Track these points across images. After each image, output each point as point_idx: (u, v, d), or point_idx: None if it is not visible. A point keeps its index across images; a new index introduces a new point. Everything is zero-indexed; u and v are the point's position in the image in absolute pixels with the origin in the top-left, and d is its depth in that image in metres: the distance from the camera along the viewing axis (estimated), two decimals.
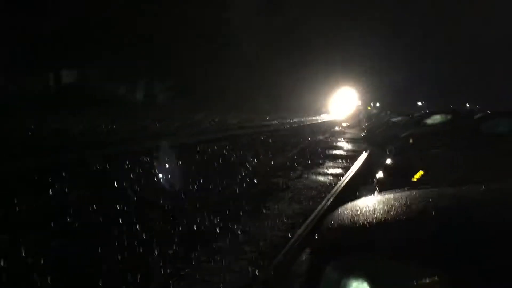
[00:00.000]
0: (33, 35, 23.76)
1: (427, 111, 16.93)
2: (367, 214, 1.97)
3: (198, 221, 5.28)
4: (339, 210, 2.23)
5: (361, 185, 8.31)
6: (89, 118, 18.68)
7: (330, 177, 9.31)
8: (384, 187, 5.24)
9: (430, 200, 2.07)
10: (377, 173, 5.92)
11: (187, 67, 34.11)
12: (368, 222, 1.84)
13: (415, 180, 5.14)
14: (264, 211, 6.11)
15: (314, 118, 43.77)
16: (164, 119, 22.00)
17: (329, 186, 8.17)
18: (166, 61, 32.70)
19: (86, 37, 26.80)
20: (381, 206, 2.04)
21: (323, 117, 45.29)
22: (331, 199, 6.66)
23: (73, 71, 31.54)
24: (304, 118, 39.98)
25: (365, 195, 6.80)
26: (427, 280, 1.45)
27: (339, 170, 10.32)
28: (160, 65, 32.93)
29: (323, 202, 6.55)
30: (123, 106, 27.58)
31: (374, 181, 6.69)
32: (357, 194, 7.54)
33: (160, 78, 37.52)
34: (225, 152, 11.88)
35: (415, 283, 1.45)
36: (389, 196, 2.30)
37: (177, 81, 37.49)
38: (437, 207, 2.00)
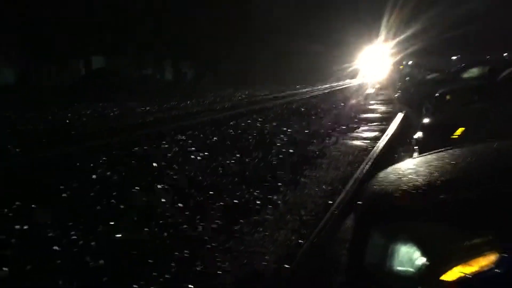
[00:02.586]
0: (64, 26, 24.19)
1: (463, 65, 16.30)
2: (410, 177, 1.93)
3: (237, 192, 5.33)
4: (381, 174, 2.19)
5: (399, 147, 8.18)
6: (125, 101, 19.02)
7: (367, 141, 9.19)
8: (423, 147, 5.12)
9: (477, 158, 2.00)
10: (415, 133, 5.78)
11: (211, 44, 34.04)
12: (412, 186, 1.81)
13: (455, 137, 4.99)
14: (302, 179, 6.10)
15: (345, 82, 43.01)
16: (194, 97, 22.13)
17: (365, 151, 8.07)
18: (190, 40, 32.73)
19: (112, 24, 27.10)
20: (424, 168, 2.00)
21: (354, 81, 44.39)
22: (369, 164, 6.59)
23: (102, 57, 32.05)
24: (336, 83, 39.33)
25: (404, 157, 6.70)
26: (476, 243, 1.42)
27: (375, 134, 10.17)
28: (185, 44, 32.99)
29: (361, 166, 6.50)
30: (155, 87, 27.90)
31: (412, 142, 6.57)
32: (395, 156, 7.45)
33: (185, 58, 37.66)
34: (257, 124, 11.87)
35: (464, 246, 1.42)
36: (431, 156, 2.25)
37: (202, 59, 37.54)
38: (486, 165, 1.94)
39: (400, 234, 1.58)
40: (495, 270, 1.35)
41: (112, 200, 5.01)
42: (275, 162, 7.08)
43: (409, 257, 1.52)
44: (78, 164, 6.89)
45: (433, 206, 1.64)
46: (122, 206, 4.82)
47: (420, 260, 1.49)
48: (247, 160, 7.22)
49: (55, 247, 3.73)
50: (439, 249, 1.48)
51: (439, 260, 1.45)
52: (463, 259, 1.40)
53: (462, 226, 1.49)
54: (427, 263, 1.47)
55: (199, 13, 32.54)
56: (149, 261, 3.53)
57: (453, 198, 1.63)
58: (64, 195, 5.26)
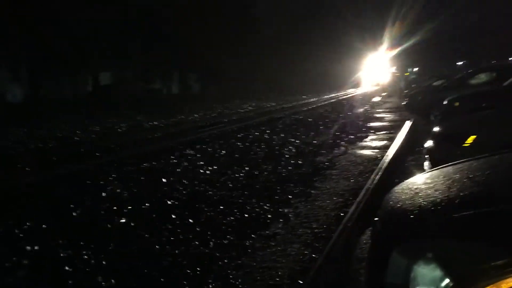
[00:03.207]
0: (68, 43, 24.40)
1: (469, 71, 16.22)
2: (428, 192, 1.88)
3: (248, 206, 5.29)
4: (397, 188, 2.14)
5: (408, 155, 8.10)
6: (131, 116, 19.12)
7: (376, 150, 9.12)
8: (435, 156, 5.06)
9: (496, 170, 1.95)
10: (425, 142, 5.72)
11: (215, 55, 34.21)
12: (431, 201, 1.76)
13: (467, 145, 4.92)
14: (312, 191, 6.05)
15: (349, 91, 42.94)
16: (200, 110, 22.21)
17: (375, 160, 8.01)
18: (195, 52, 32.92)
19: (117, 40, 27.34)
20: (441, 182, 1.95)
21: (359, 90, 44.25)
22: (380, 174, 6.52)
23: (109, 72, 32.31)
24: (340, 93, 39.27)
25: (415, 166, 6.63)
26: (503, 262, 1.37)
27: (383, 142, 10.10)
28: (190, 57, 33.19)
29: (372, 177, 6.43)
30: (162, 100, 28.04)
31: (422, 151, 6.50)
32: (406, 165, 7.38)
33: (191, 70, 37.88)
34: (265, 135, 11.85)
35: (491, 266, 1.37)
36: (447, 169, 2.19)
37: (207, 71, 37.75)
38: (502, 178, 1.88)
39: (422, 253, 1.53)
40: None
41: (122, 218, 4.98)
42: (284, 174, 7.04)
43: (432, 277, 1.47)
44: (88, 181, 6.87)
45: (455, 223, 1.59)
46: (132, 224, 4.78)
47: (445, 281, 1.43)
48: (256, 172, 7.18)
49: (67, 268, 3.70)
50: (464, 268, 1.43)
51: (464, 280, 1.40)
52: (491, 279, 1.35)
53: (488, 243, 1.43)
54: (452, 283, 1.42)
55: (203, 23, 32.76)
56: (161, 279, 3.49)
57: (476, 214, 1.58)
58: (74, 213, 5.24)
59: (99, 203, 5.55)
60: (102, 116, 18.63)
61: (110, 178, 7.02)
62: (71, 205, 5.42)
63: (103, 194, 5.99)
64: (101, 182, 6.72)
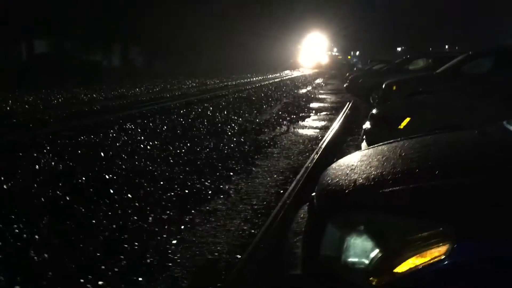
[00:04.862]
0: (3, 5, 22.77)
1: (408, 56, 16.84)
2: (363, 168, 1.95)
3: (188, 182, 5.26)
4: (334, 165, 2.21)
5: (348, 135, 8.36)
6: (69, 87, 18.32)
7: (317, 130, 9.33)
8: (372, 137, 5.24)
9: (427, 149, 2.05)
10: (363, 123, 5.91)
11: (160, 31, 33.35)
12: (365, 177, 1.83)
13: (401, 127, 5.14)
14: (254, 168, 6.11)
15: (292, 72, 43.30)
16: (142, 84, 21.64)
17: (316, 140, 8.19)
18: (139, 25, 31.86)
19: (58, 5, 25.87)
20: (376, 159, 2.03)
21: (298, 72, 44.64)
22: (319, 153, 6.68)
23: (46, 41, 30.54)
24: (279, 74, 39.49)
25: (353, 146, 6.83)
26: (428, 233, 1.45)
27: (324, 123, 10.33)
28: (134, 29, 32.06)
29: (312, 156, 6.59)
30: (102, 73, 27.00)
31: (360, 131, 6.72)
32: (344, 145, 7.61)
33: (135, 43, 36.66)
34: (208, 112, 11.76)
35: (416, 237, 1.45)
36: (382, 148, 2.29)
37: (151, 45, 36.73)
38: (433, 156, 1.99)
39: (355, 226, 1.60)
40: (447, 261, 1.39)
41: (56, 192, 4.79)
42: (226, 151, 7.05)
43: (363, 249, 1.54)
44: (20, 153, 6.54)
45: (386, 198, 1.66)
46: (67, 198, 4.61)
47: (374, 251, 1.51)
48: (197, 149, 7.13)
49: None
50: (393, 240, 1.51)
51: (393, 251, 1.48)
52: (416, 250, 1.43)
53: (415, 217, 1.51)
54: (381, 254, 1.49)
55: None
56: (97, 254, 3.41)
57: (406, 190, 1.66)
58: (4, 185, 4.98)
59: (32, 176, 5.31)
60: (36, 86, 17.69)
61: (44, 151, 6.73)
62: (1, 178, 5.16)
63: (36, 167, 5.74)
64: (34, 155, 6.43)
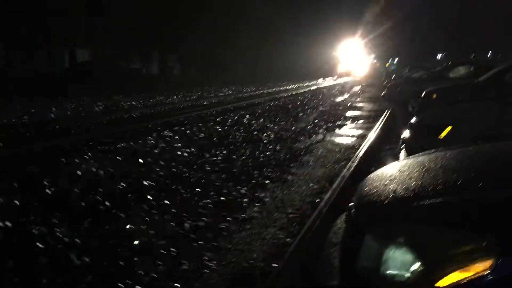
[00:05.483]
0: (46, 16, 23.68)
1: (449, 63, 16.44)
2: (403, 178, 1.91)
3: (225, 190, 5.29)
4: (373, 175, 2.17)
5: (386, 144, 8.21)
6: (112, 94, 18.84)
7: (353, 139, 9.22)
8: (411, 146, 5.14)
9: (469, 160, 1.99)
10: (402, 132, 5.80)
11: (198, 39, 33.86)
12: (404, 187, 1.79)
13: (442, 137, 5.02)
14: (289, 177, 6.09)
15: (325, 80, 42.97)
16: (180, 92, 22.01)
17: (352, 148, 8.10)
18: (178, 33, 32.43)
19: (96, 15, 26.68)
20: (416, 170, 1.98)
21: (334, 79, 44.16)
22: (356, 162, 6.60)
23: (87, 49, 31.50)
24: (315, 81, 39.21)
25: (391, 155, 6.71)
26: (471, 247, 1.41)
27: (361, 131, 10.20)
28: (172, 38, 32.66)
29: (348, 165, 6.51)
30: (142, 81, 27.60)
31: (399, 140, 6.59)
32: (382, 154, 7.49)
33: (173, 53, 37.34)
34: (245, 120, 11.83)
35: (460, 251, 1.41)
36: (422, 158, 2.23)
37: (189, 53, 37.30)
38: (475, 167, 1.93)
39: (394, 237, 1.56)
40: (491, 275, 1.34)
41: (96, 198, 4.92)
42: (262, 159, 7.06)
43: (403, 261, 1.50)
44: (62, 159, 6.76)
45: (428, 209, 1.62)
46: (107, 203, 4.73)
47: (415, 264, 1.47)
48: (233, 156, 7.18)
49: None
50: (435, 253, 1.46)
51: (435, 265, 1.44)
52: (460, 264, 1.39)
53: (457, 230, 1.47)
54: (422, 267, 1.45)
55: (188, 7, 32.32)
56: (135, 259, 3.48)
57: (448, 201, 1.62)
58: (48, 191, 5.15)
59: (73, 182, 5.47)
60: (78, 94, 18.27)
61: (85, 157, 6.93)
62: (45, 183, 5.34)
63: (78, 173, 5.91)
64: (76, 161, 6.63)
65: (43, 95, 17.33)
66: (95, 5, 26.54)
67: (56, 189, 5.19)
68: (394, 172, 2.08)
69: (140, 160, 6.69)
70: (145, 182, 5.49)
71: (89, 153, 7.16)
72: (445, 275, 1.40)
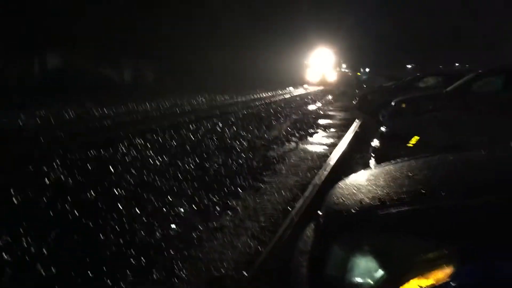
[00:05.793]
0: (15, 19, 23.09)
1: (418, 74, 16.83)
2: (370, 188, 1.96)
3: (196, 198, 5.27)
4: (341, 184, 2.21)
5: (357, 153, 8.33)
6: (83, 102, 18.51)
7: (325, 147, 9.32)
8: (380, 154, 5.24)
9: (435, 170, 2.05)
10: (372, 141, 5.90)
11: (171, 47, 33.69)
12: (372, 196, 1.83)
13: (411, 145, 5.13)
14: (262, 185, 6.12)
15: (297, 89, 43.31)
16: (153, 100, 21.82)
17: (324, 156, 8.18)
18: (152, 42, 32.18)
19: (70, 20, 26.20)
20: (383, 179, 2.03)
21: (307, 88, 44.54)
22: (327, 171, 6.67)
23: (58, 55, 30.79)
24: (287, 89, 39.47)
25: (361, 163, 6.80)
26: (433, 255, 1.45)
27: (333, 140, 10.33)
28: (144, 45, 32.37)
29: (320, 172, 6.58)
30: (114, 89, 27.21)
31: (369, 149, 6.70)
32: (353, 162, 7.59)
33: (146, 59, 36.99)
34: (218, 128, 11.81)
35: (421, 259, 1.44)
36: (389, 167, 2.29)
37: (162, 61, 37.05)
38: (439, 177, 1.99)
39: (361, 246, 1.60)
40: (451, 283, 1.38)
41: (65, 207, 4.83)
42: (235, 167, 7.06)
43: (368, 269, 1.53)
44: (31, 168, 6.60)
45: (391, 218, 1.67)
46: (76, 213, 4.64)
47: (379, 272, 1.50)
48: (206, 165, 7.15)
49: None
50: (397, 261, 1.50)
51: (397, 272, 1.47)
52: (421, 271, 1.43)
53: (420, 238, 1.51)
54: (385, 275, 1.49)
55: (162, 13, 32.13)
56: (104, 269, 3.42)
57: (411, 211, 1.66)
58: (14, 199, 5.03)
59: (42, 191, 5.35)
60: (49, 102, 17.90)
61: (54, 166, 6.79)
62: (12, 193, 5.21)
63: (46, 182, 5.79)
64: (44, 170, 6.49)
65: (14, 104, 16.91)
66: (67, 9, 26.05)
67: (22, 198, 5.07)
68: (362, 181, 2.12)
69: (111, 169, 6.60)
70: (114, 191, 5.42)
71: (58, 162, 7.02)
72: (407, 282, 1.43)
